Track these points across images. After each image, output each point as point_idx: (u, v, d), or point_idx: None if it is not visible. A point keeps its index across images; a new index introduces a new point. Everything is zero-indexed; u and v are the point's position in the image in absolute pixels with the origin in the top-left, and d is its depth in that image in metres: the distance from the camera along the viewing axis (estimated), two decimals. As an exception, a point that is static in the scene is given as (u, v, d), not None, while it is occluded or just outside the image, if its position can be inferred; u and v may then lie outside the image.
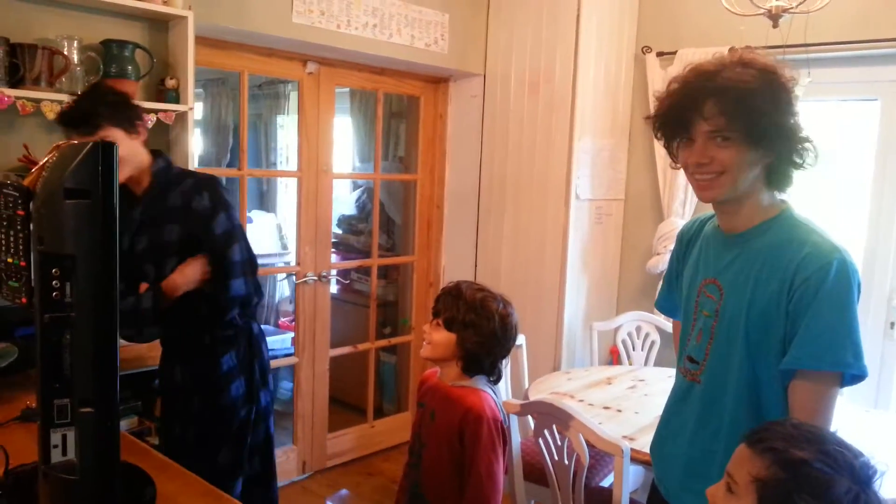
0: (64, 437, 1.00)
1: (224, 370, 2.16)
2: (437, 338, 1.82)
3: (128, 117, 2.05)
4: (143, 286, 2.06)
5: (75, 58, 2.38)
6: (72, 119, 1.99)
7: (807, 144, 1.41)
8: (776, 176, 1.43)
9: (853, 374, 1.34)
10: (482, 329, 1.79)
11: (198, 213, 2.09)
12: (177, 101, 2.63)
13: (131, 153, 2.05)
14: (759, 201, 1.45)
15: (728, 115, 1.35)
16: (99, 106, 1.98)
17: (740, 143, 1.36)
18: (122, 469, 1.42)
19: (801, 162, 1.42)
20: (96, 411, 0.96)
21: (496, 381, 1.90)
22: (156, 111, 2.55)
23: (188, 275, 2.06)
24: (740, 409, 1.44)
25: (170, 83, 2.62)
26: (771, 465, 1.05)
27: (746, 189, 1.43)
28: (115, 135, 1.99)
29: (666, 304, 1.82)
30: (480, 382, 1.85)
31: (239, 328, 2.21)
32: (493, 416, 1.78)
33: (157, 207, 2.11)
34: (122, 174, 2.01)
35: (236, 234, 2.14)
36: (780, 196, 1.48)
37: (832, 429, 1.29)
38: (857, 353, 1.33)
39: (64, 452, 1.01)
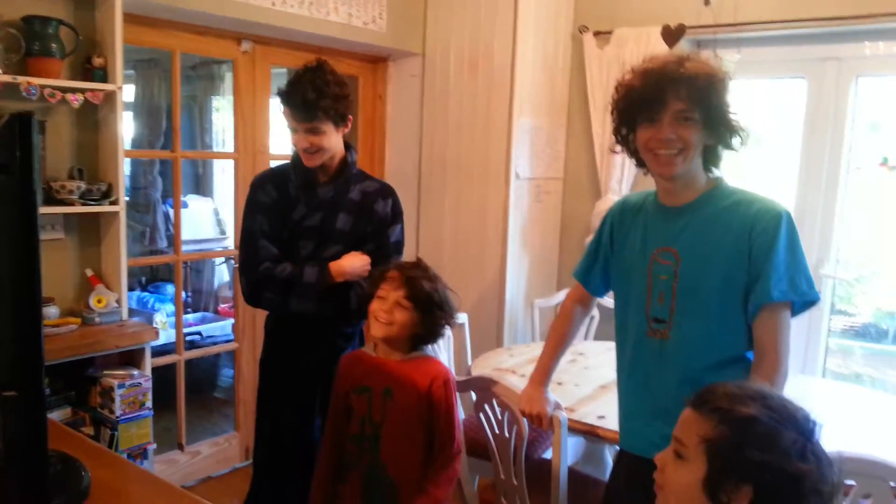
0: (-13, 423, 0.96)
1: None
2: (400, 318, 1.82)
3: (343, 114, 2.14)
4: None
5: (-7, 34, 2.27)
6: (292, 102, 2.07)
7: (741, 131, 1.63)
8: (712, 156, 1.67)
9: (809, 300, 1.62)
10: (448, 311, 1.87)
11: (379, 216, 2.21)
12: (104, 80, 2.54)
13: (334, 145, 2.15)
14: (698, 178, 1.68)
15: (693, 99, 1.57)
16: (323, 99, 2.06)
17: (698, 125, 1.59)
18: (53, 456, 1.39)
19: (735, 145, 1.65)
20: (20, 394, 0.92)
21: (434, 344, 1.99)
22: (82, 91, 2.45)
23: (356, 265, 2.13)
24: (712, 351, 1.65)
25: (97, 62, 2.52)
26: (718, 424, 1.08)
27: (692, 167, 1.65)
28: (328, 128, 2.10)
29: (583, 274, 1.97)
30: (424, 350, 1.91)
31: (357, 327, 2.30)
32: (451, 377, 1.88)
33: (339, 195, 2.20)
34: (318, 161, 2.13)
35: (402, 248, 2.28)
36: (711, 173, 1.70)
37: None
38: (810, 283, 1.62)
39: (-13, 439, 0.97)
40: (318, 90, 2.05)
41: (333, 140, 2.14)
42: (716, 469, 1.06)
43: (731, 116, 1.61)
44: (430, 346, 1.94)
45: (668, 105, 1.58)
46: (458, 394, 2.29)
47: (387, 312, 1.82)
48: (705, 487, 1.07)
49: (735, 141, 1.64)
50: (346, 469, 1.91)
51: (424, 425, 1.83)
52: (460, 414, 1.91)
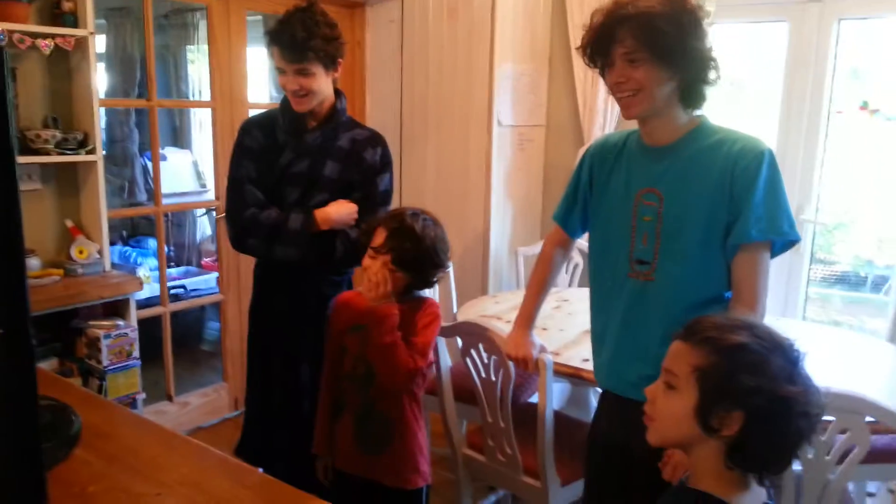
0: (-28, 365, 0.95)
1: (329, 313, 2.19)
2: (390, 279, 1.79)
3: (333, 56, 2.09)
4: None
5: (-43, -23, 2.19)
6: (281, 41, 2.01)
7: (712, 63, 1.58)
8: (688, 93, 1.62)
9: (790, 240, 1.60)
10: (439, 262, 1.85)
11: (367, 165, 2.17)
12: (75, 25, 2.46)
13: (324, 89, 2.11)
14: (678, 117, 1.64)
15: (636, 39, 1.53)
16: (313, 39, 2.01)
17: (650, 63, 1.54)
18: (43, 402, 1.38)
19: (709, 80, 1.59)
20: (7, 332, 0.91)
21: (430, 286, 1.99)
22: (52, 36, 2.38)
23: (342, 213, 2.11)
24: (695, 291, 1.64)
25: (66, 6, 2.45)
26: (709, 353, 1.10)
27: (663, 106, 1.61)
28: (318, 70, 2.06)
29: (563, 217, 1.96)
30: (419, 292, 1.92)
31: (345, 276, 2.28)
32: (434, 304, 1.90)
33: (327, 141, 2.16)
34: (308, 105, 2.09)
35: (390, 198, 2.24)
36: (695, 112, 1.66)
37: None
38: (791, 223, 1.59)
39: (-26, 381, 0.96)
40: (308, 30, 2.01)
41: (323, 83, 2.10)
42: (707, 396, 1.09)
43: (695, 51, 1.55)
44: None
45: (617, 47, 1.56)
46: (443, 338, 2.31)
47: (376, 273, 1.79)
48: (697, 414, 1.10)
49: (706, 75, 1.58)
50: (339, 408, 1.93)
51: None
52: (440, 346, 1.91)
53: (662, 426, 1.17)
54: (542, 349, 2.07)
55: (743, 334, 1.10)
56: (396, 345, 1.77)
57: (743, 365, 1.07)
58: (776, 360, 1.08)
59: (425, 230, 1.82)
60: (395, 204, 3.83)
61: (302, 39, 2.00)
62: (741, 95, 3.41)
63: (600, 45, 1.60)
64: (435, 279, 1.91)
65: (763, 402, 1.05)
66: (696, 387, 1.11)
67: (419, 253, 1.81)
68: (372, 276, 1.79)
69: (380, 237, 1.82)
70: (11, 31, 2.28)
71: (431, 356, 1.89)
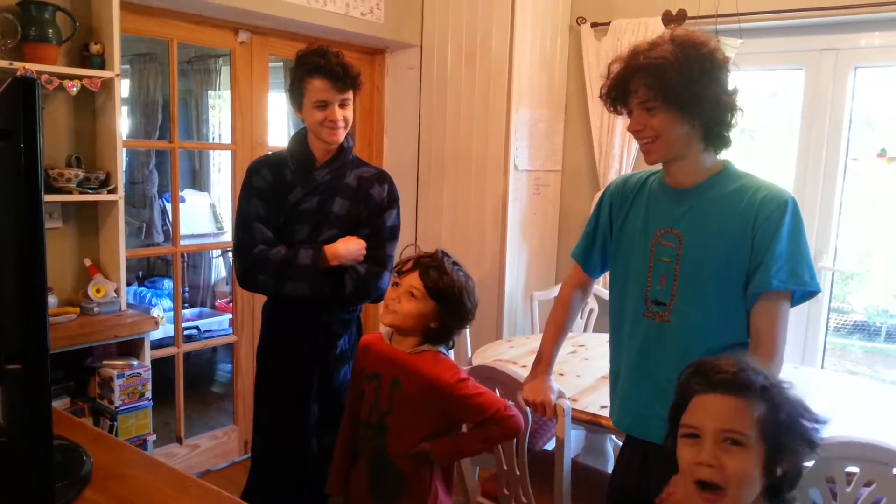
0: (-11, 399, 0.95)
1: (338, 352, 2.21)
2: (408, 307, 1.76)
3: (359, 90, 2.21)
4: None
5: (-10, 20, 2.25)
6: (333, 72, 2.07)
7: (730, 107, 1.59)
8: (711, 137, 1.62)
9: (810, 290, 1.59)
10: (462, 305, 1.78)
11: (375, 202, 2.20)
12: (102, 67, 2.51)
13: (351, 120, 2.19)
14: (701, 160, 1.65)
15: (649, 88, 1.56)
16: (353, 69, 2.13)
17: (665, 111, 1.57)
18: (54, 441, 1.36)
19: (729, 123, 1.61)
20: (24, 367, 0.90)
21: (450, 347, 1.87)
22: (80, 77, 2.43)
23: (351, 249, 2.13)
24: (714, 336, 1.62)
25: (94, 48, 2.50)
26: (768, 403, 1.10)
27: (683, 149, 1.62)
28: (352, 101, 2.17)
29: (582, 256, 1.96)
30: (437, 346, 1.81)
31: (354, 315, 2.28)
32: (458, 371, 1.78)
33: (336, 179, 2.19)
34: (342, 136, 2.16)
35: (398, 233, 2.25)
36: (719, 156, 1.68)
37: None
38: (812, 273, 1.59)
39: (-10, 415, 0.95)
40: (349, 63, 2.12)
41: (350, 115, 2.18)
42: (773, 445, 1.09)
43: (711, 96, 1.56)
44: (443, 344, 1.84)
45: (632, 95, 1.60)
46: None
47: (395, 300, 1.78)
48: (765, 467, 1.09)
49: (725, 119, 1.59)
50: (356, 454, 1.89)
51: (432, 421, 1.77)
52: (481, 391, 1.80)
53: (737, 492, 1.10)
54: (561, 394, 2.04)
55: (762, 375, 1.12)
56: (490, 439, 1.82)
57: (794, 409, 1.09)
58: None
59: (454, 270, 1.80)
60: (409, 247, 3.88)
61: (349, 70, 2.09)
62: (755, 143, 3.41)
63: (618, 95, 1.65)
64: (452, 331, 1.81)
65: (807, 443, 1.08)
66: (761, 440, 1.09)
67: (447, 285, 1.76)
68: (391, 300, 1.78)
69: (410, 263, 1.80)
70: (40, 73, 2.33)
71: (489, 392, 1.81)
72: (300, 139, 2.21)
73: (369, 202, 2.19)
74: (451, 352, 1.86)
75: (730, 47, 3.05)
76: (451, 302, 1.77)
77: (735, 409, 1.11)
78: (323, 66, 2.08)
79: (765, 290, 1.56)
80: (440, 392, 1.73)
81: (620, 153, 3.54)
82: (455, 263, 1.83)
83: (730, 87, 1.61)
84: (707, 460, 1.10)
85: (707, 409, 1.13)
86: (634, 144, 3.46)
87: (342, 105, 2.12)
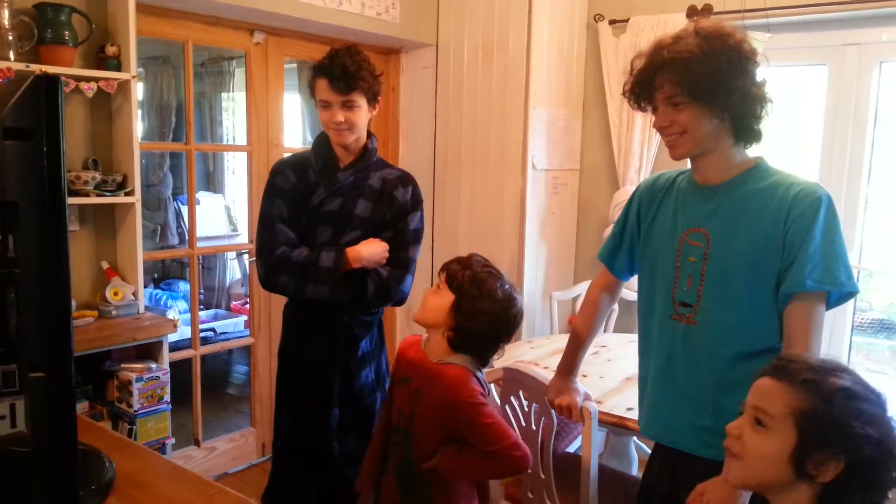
0: (12, 407, 0.91)
1: (359, 354, 2.19)
2: (433, 302, 1.73)
3: (375, 92, 2.14)
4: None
5: (6, 22, 2.23)
6: (332, 73, 2.04)
7: (759, 99, 1.54)
8: (740, 131, 1.57)
9: (846, 291, 1.51)
10: (481, 304, 1.68)
11: (399, 204, 2.17)
12: (118, 69, 2.50)
13: (363, 124, 2.14)
14: (731, 155, 1.59)
15: (675, 83, 1.51)
16: (362, 71, 2.07)
17: (692, 106, 1.51)
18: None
19: (758, 116, 1.55)
20: (49, 376, 0.87)
21: (482, 366, 1.77)
22: (96, 79, 2.41)
23: (374, 251, 2.10)
24: (742, 341, 1.57)
25: (110, 50, 2.48)
26: (810, 396, 1.06)
27: (711, 144, 1.57)
28: (362, 103, 2.09)
29: (609, 257, 1.90)
30: (465, 361, 1.73)
31: (376, 317, 2.25)
32: (475, 392, 1.69)
33: (359, 180, 2.17)
34: (348, 139, 2.12)
35: (421, 236, 2.22)
36: (750, 150, 1.62)
37: None
38: (849, 273, 1.51)
39: (13, 424, 0.92)
40: (357, 63, 2.06)
41: (364, 118, 2.12)
42: (809, 441, 1.05)
43: (739, 89, 1.50)
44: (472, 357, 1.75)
45: (658, 91, 1.56)
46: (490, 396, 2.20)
47: (425, 297, 1.76)
48: (793, 458, 1.06)
49: (754, 111, 1.54)
50: (387, 458, 1.85)
51: (448, 433, 1.71)
52: (496, 415, 1.72)
53: (751, 466, 1.11)
54: (587, 397, 2.00)
55: (844, 378, 1.06)
56: (492, 473, 1.80)
57: (851, 412, 1.03)
58: (879, 408, 1.05)
59: (483, 270, 1.73)
60: (425, 250, 3.84)
61: (353, 71, 2.04)
62: (778, 141, 3.35)
63: (643, 91, 1.61)
64: (476, 340, 1.71)
65: (871, 451, 1.01)
66: (794, 429, 1.06)
67: (464, 279, 1.69)
68: (423, 300, 1.76)
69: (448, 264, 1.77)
70: (56, 75, 2.31)
71: (502, 423, 1.72)
72: (324, 140, 2.18)
73: (393, 204, 2.16)
74: (482, 372, 1.77)
75: (758, 41, 2.99)
76: (468, 296, 1.69)
77: (769, 391, 1.11)
78: (325, 66, 2.06)
79: (798, 290, 1.49)
80: (453, 409, 1.68)
81: (640, 151, 3.49)
82: (488, 267, 1.75)
83: (758, 79, 1.55)
84: (730, 429, 1.15)
85: (754, 387, 1.16)
86: (654, 142, 3.42)
87: (346, 107, 2.07)
